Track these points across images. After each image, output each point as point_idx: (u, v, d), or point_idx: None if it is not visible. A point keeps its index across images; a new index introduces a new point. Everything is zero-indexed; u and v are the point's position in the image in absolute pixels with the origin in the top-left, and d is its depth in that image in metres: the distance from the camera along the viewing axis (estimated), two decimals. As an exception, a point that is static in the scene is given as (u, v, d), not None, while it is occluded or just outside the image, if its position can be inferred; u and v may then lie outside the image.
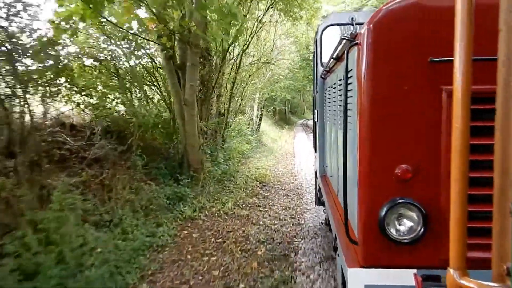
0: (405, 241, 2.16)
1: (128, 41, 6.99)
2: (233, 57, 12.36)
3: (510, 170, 0.82)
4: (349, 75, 2.55)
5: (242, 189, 9.74)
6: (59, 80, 6.29)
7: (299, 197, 9.46)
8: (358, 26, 2.91)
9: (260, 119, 20.39)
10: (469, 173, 0.99)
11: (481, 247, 1.99)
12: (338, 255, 2.89)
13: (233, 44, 11.07)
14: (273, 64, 15.95)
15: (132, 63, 7.84)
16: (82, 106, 7.00)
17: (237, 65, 12.14)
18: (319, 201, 6.21)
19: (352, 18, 3.57)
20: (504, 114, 0.85)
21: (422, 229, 2.13)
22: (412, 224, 2.16)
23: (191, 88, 7.52)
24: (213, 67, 10.69)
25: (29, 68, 5.59)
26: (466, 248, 0.99)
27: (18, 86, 5.24)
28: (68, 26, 5.66)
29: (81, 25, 6.09)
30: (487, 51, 1.71)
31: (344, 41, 2.57)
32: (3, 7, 5.14)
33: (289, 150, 20.48)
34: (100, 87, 7.38)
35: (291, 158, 17.07)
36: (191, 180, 7.79)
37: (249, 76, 14.00)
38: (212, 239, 6.28)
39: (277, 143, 22.04)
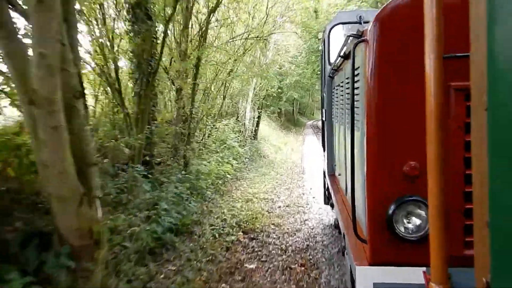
0: (414, 238, 2.16)
1: None
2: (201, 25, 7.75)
3: (486, 181, 0.76)
4: (356, 73, 2.53)
5: (205, 258, 5.22)
6: None
7: (316, 269, 4.96)
8: (365, 24, 3.07)
9: (258, 123, 15.91)
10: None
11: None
12: (347, 254, 2.86)
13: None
14: (266, 39, 11.33)
15: None
16: None
17: (200, 36, 7.47)
18: (328, 201, 6.13)
19: (360, 17, 4.38)
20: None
21: None
22: (420, 221, 2.15)
23: (43, 60, 3.10)
24: (155, 38, 6.26)
25: None
26: (447, 262, 1.01)
27: None
28: None
29: None
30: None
31: (351, 38, 2.58)
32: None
33: (297, 162, 15.91)
34: None
35: (299, 177, 12.51)
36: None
37: (234, 60, 9.51)
38: None
39: (281, 153, 17.50)
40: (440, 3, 0.97)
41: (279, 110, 28.50)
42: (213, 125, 10.21)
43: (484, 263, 0.77)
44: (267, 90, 15.59)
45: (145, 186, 5.40)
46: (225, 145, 9.93)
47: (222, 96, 10.19)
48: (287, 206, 8.60)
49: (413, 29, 2.00)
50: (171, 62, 7.12)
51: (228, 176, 8.66)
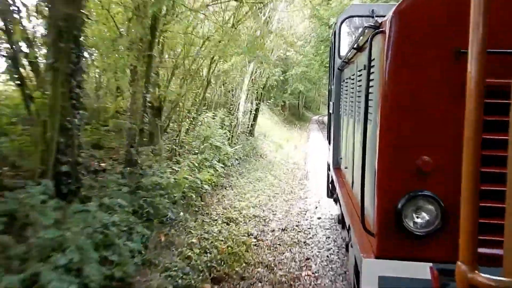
0: (422, 234, 2.14)
1: None
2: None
3: None
4: (371, 64, 2.47)
5: None
6: None
7: None
8: (378, 18, 2.78)
9: (255, 117, 13.63)
10: (481, 168, 0.97)
11: (490, 243, 1.95)
12: (352, 247, 2.85)
13: None
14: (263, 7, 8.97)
15: None
16: None
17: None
18: (331, 194, 6.05)
19: (372, 10, 4.30)
20: None
21: (440, 223, 2.10)
22: (430, 217, 2.13)
23: None
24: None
25: None
26: (477, 241, 0.96)
27: None
28: None
29: None
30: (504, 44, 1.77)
31: (367, 29, 2.58)
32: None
33: (299, 163, 13.67)
34: None
35: (301, 185, 10.29)
36: None
37: (222, 31, 7.00)
38: None
39: (282, 152, 15.25)
40: None
41: (282, 103, 26.18)
42: (193, 119, 7.98)
43: None
44: (268, 77, 13.32)
45: (43, 218, 3.22)
46: (209, 143, 7.72)
47: (203, 80, 7.90)
48: (284, 229, 6.39)
49: (432, 23, 2.11)
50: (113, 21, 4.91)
51: (206, 187, 6.45)
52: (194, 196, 6.52)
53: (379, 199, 2.25)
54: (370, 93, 2.51)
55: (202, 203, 6.64)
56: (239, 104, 10.08)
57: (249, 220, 6.72)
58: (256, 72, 11.53)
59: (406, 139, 2.17)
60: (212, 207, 6.86)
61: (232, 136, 10.28)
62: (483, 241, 1.97)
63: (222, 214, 6.56)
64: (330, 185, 6.02)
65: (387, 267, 2.17)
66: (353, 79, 3.67)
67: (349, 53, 3.82)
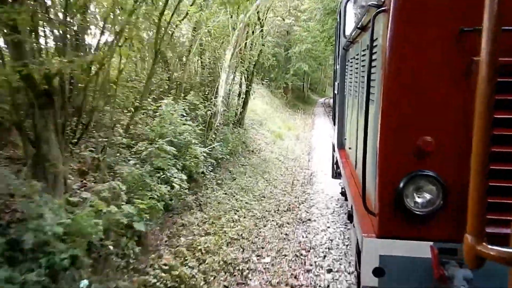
0: (423, 213, 2.13)
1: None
2: None
3: None
4: (374, 44, 2.43)
5: None
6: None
7: None
8: None
9: (245, 103, 10.72)
10: (493, 148, 1.10)
11: (497, 222, 1.95)
12: (354, 226, 2.86)
13: None
14: None
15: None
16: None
17: None
18: (336, 175, 6.07)
19: None
20: None
21: (441, 203, 2.10)
22: (431, 197, 2.13)
23: None
24: None
25: None
26: (485, 214, 0.95)
27: None
28: None
29: None
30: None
31: (370, 8, 2.51)
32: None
33: (302, 159, 10.98)
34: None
35: (304, 191, 7.61)
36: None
37: None
38: None
39: (281, 144, 12.54)
40: None
41: (285, 85, 23.27)
42: (136, 109, 5.21)
43: None
44: (260, 51, 10.42)
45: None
46: (160, 145, 5.02)
47: (156, 48, 5.05)
48: (269, 298, 3.76)
49: (435, 1, 2.06)
50: None
51: (137, 225, 3.79)
52: (124, 240, 3.87)
53: (380, 179, 2.25)
54: (373, 73, 2.46)
55: (138, 249, 4.00)
56: (218, 86, 7.33)
57: (214, 277, 4.09)
58: (241, 41, 8.68)
59: (408, 119, 2.16)
60: (154, 254, 4.20)
61: (209, 129, 7.54)
62: (491, 220, 1.96)
63: (166, 272, 3.91)
64: (335, 165, 6.02)
65: (388, 246, 2.18)
66: (357, 59, 3.67)
67: (354, 33, 3.83)
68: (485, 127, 0.92)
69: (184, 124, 6.38)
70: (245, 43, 9.36)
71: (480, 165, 0.93)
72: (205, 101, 7.63)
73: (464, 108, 2.03)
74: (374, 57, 2.45)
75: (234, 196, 6.86)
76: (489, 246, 0.90)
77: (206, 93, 7.71)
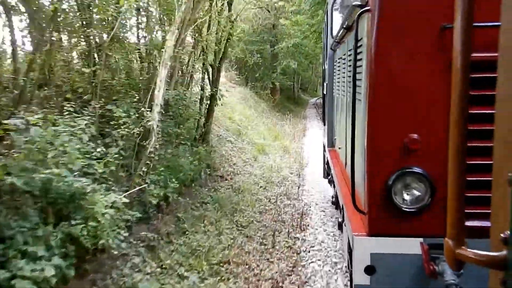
0: (412, 210, 2.17)
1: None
2: None
3: (510, 139, 0.81)
4: (359, 44, 2.44)
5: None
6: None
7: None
8: None
9: (209, 112, 7.70)
10: (468, 143, 1.02)
11: (479, 216, 2.01)
12: (345, 225, 2.91)
13: None
14: None
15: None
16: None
17: None
18: (327, 174, 6.09)
19: None
20: (506, 82, 0.85)
21: (429, 199, 2.14)
22: (419, 193, 2.17)
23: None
24: None
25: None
26: (463, 218, 0.99)
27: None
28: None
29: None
30: (489, 18, 1.73)
31: (355, 8, 2.52)
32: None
33: (290, 183, 8.20)
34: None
35: (292, 248, 4.86)
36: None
37: None
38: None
39: (264, 160, 9.81)
40: None
41: (272, 86, 20.55)
42: None
43: (503, 219, 0.82)
44: (228, 39, 7.45)
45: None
46: None
47: None
48: None
49: (416, 1, 2.11)
50: None
51: None
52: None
53: (369, 177, 2.26)
54: (358, 72, 2.52)
55: None
56: (153, 89, 4.62)
57: None
58: (201, 23, 5.91)
59: (394, 117, 2.17)
60: None
61: (138, 158, 4.77)
62: (472, 214, 2.01)
63: None
64: (326, 166, 5.98)
65: (378, 244, 2.20)
66: (344, 59, 3.70)
67: (340, 33, 3.82)
68: (461, 125, 0.94)
69: (84, 157, 3.64)
70: (205, 25, 6.59)
71: (456, 166, 0.95)
72: (136, 113, 4.84)
73: (448, 104, 1.61)
74: (359, 56, 2.49)
75: (174, 271, 4.10)
76: (467, 250, 0.92)
77: (139, 100, 4.95)
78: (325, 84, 5.75)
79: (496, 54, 0.85)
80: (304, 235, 5.52)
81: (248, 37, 18.84)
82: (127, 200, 3.92)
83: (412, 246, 2.14)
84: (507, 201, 0.79)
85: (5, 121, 3.21)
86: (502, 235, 0.80)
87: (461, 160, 0.95)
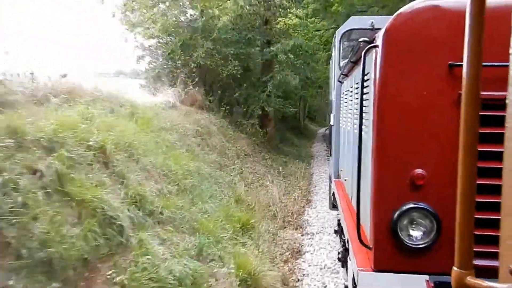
0: (418, 246, 2.14)
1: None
2: None
3: None
4: (366, 78, 2.50)
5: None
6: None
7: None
8: (377, 30, 2.71)
9: None
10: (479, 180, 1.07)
11: (486, 255, 1.97)
12: (350, 259, 2.91)
13: None
14: None
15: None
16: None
17: None
18: (333, 206, 6.03)
19: (372, 23, 4.29)
20: None
21: (435, 235, 2.11)
22: (425, 230, 2.14)
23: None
24: None
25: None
26: (472, 247, 0.98)
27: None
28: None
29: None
30: (498, 58, 1.75)
31: (362, 43, 2.58)
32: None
33: None
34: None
35: None
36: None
37: None
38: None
39: None
40: (482, 8, 0.96)
41: (259, 113, 13.08)
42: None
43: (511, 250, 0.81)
44: None
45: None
46: None
47: None
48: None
49: (423, 39, 2.13)
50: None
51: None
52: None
53: (374, 212, 2.26)
54: (365, 106, 2.55)
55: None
56: None
57: None
58: None
59: (400, 152, 2.18)
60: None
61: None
62: (478, 252, 1.94)
63: None
64: (332, 196, 5.92)
65: (383, 280, 2.18)
66: (351, 92, 3.73)
67: (347, 66, 3.92)
68: (470, 161, 0.96)
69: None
70: None
71: (466, 198, 0.96)
72: None
73: (455, 141, 1.78)
74: (365, 90, 2.50)
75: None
76: (476, 280, 0.92)
77: None
78: (331, 115, 5.85)
79: (504, 93, 0.89)
80: None
81: (224, 34, 11.66)
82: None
83: (417, 283, 2.10)
84: None
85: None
86: (511, 266, 0.81)
87: (471, 189, 0.95)
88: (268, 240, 5.73)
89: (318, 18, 14.94)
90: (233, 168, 8.78)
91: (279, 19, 13.96)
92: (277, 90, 13.83)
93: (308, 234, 6.40)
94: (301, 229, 6.69)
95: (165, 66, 11.67)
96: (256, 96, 13.18)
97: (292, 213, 7.45)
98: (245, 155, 10.61)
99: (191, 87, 11.06)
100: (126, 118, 6.59)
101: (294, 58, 13.59)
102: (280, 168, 12.05)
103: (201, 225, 5.15)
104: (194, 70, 11.43)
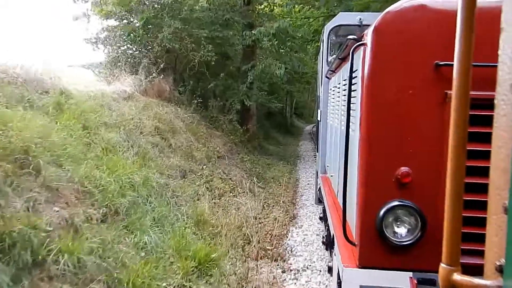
0: (402, 243, 2.16)
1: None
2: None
3: (506, 169, 0.82)
4: (353, 75, 2.49)
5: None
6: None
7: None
8: (365, 27, 2.79)
9: None
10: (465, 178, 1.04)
11: (473, 253, 1.99)
12: (335, 255, 2.91)
13: None
14: None
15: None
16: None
17: None
18: (319, 201, 5.93)
19: (360, 19, 4.15)
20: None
21: (420, 233, 2.13)
22: (410, 227, 2.16)
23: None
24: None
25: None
26: (460, 244, 1.00)
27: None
28: None
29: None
30: (488, 58, 1.78)
31: (350, 41, 2.60)
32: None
33: None
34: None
35: None
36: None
37: None
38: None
39: None
40: (473, 8, 0.97)
41: (238, 108, 11.31)
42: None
43: (498, 247, 0.82)
44: None
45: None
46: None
47: None
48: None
49: (410, 38, 2.16)
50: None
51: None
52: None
53: (360, 209, 2.27)
54: (353, 103, 2.53)
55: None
56: None
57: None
58: None
59: (386, 150, 2.19)
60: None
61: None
62: (465, 250, 1.94)
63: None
64: (318, 192, 5.86)
65: (368, 277, 2.20)
66: (339, 88, 3.73)
67: (335, 63, 3.92)
68: (459, 159, 0.97)
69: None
70: None
71: (455, 196, 0.98)
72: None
73: (440, 139, 2.07)
74: (353, 87, 2.49)
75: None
76: (464, 277, 0.93)
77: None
78: (319, 111, 5.80)
79: (492, 93, 0.89)
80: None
81: (196, 13, 9.85)
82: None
83: (401, 280, 2.13)
84: (503, 228, 0.81)
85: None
86: (497, 262, 0.82)
87: (459, 185, 0.97)
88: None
89: (308, 5, 13.27)
90: (199, 175, 7.02)
91: (264, 3, 12.24)
92: (260, 81, 12.11)
93: (291, 270, 4.71)
94: (282, 261, 5.01)
95: (125, 50, 9.81)
96: (235, 87, 11.43)
97: (271, 236, 5.75)
98: (219, 157, 8.86)
99: (155, 75, 9.25)
100: (41, 110, 4.75)
101: (280, 45, 11.85)
102: (262, 171, 10.35)
103: (129, 272, 3.40)
104: (160, 55, 9.60)
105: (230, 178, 8.01)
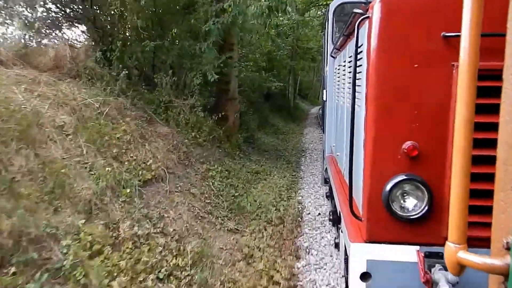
0: (409, 218, 2.14)
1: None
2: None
3: None
4: (359, 51, 2.46)
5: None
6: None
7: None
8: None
9: None
10: (475, 151, 0.99)
11: (480, 225, 1.99)
12: (342, 231, 2.91)
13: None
14: None
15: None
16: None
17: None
18: (326, 181, 5.90)
19: None
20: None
21: (427, 207, 2.10)
22: (417, 201, 2.14)
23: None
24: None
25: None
26: (466, 222, 0.99)
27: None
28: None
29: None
30: (496, 28, 1.70)
31: (355, 15, 2.56)
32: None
33: None
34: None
35: None
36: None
37: None
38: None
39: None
40: None
41: (200, 80, 6.98)
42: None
43: (506, 224, 0.79)
44: None
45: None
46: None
47: None
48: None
49: (417, 8, 2.09)
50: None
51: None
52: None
53: (366, 183, 2.26)
54: (358, 78, 2.51)
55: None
56: None
57: None
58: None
59: (393, 124, 2.16)
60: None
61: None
62: (472, 223, 1.96)
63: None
64: (324, 172, 5.83)
65: (375, 251, 2.19)
66: (344, 66, 3.69)
67: (340, 40, 3.86)
68: (467, 133, 0.95)
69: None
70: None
71: (462, 170, 0.94)
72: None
73: (448, 112, 2.04)
74: (359, 63, 2.49)
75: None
76: (469, 254, 0.91)
77: None
78: (325, 91, 5.79)
79: (501, 63, 0.86)
80: None
81: None
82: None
83: (408, 253, 2.13)
84: (510, 205, 0.79)
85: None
86: (504, 240, 0.80)
87: (466, 163, 0.94)
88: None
89: None
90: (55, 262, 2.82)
91: None
92: (246, 48, 7.70)
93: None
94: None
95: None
96: (200, 54, 7.05)
97: None
98: (150, 179, 4.62)
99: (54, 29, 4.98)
100: None
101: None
102: (241, 192, 6.12)
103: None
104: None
105: (157, 236, 3.77)
